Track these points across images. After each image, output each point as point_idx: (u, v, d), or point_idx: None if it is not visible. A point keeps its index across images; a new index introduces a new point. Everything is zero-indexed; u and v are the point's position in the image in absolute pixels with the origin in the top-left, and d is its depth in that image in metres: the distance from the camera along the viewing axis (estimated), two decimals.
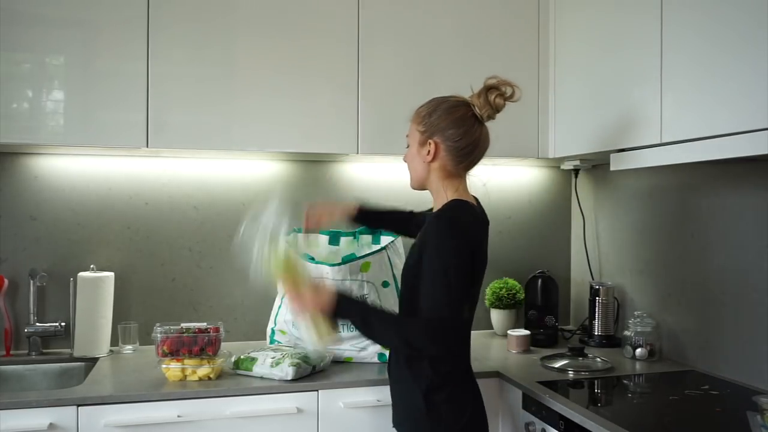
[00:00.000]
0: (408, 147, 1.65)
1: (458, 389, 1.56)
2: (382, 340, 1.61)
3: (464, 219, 1.52)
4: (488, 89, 1.55)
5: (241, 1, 2.05)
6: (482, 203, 1.68)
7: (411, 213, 1.93)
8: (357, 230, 2.17)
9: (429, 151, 1.56)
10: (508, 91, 1.56)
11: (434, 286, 1.44)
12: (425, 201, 1.73)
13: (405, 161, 1.67)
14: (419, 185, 1.65)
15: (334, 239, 2.17)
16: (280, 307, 2.18)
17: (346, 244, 2.17)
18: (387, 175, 2.48)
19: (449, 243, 1.46)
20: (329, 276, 2.00)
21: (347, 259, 2.03)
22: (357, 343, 2.02)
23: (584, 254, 2.60)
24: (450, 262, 1.44)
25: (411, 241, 1.67)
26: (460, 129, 1.54)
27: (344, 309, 1.47)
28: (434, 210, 1.62)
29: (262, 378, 1.86)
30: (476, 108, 1.56)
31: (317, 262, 2.04)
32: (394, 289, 2.06)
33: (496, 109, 1.56)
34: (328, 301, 1.45)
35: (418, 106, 1.63)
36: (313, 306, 1.45)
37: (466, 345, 1.61)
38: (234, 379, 1.86)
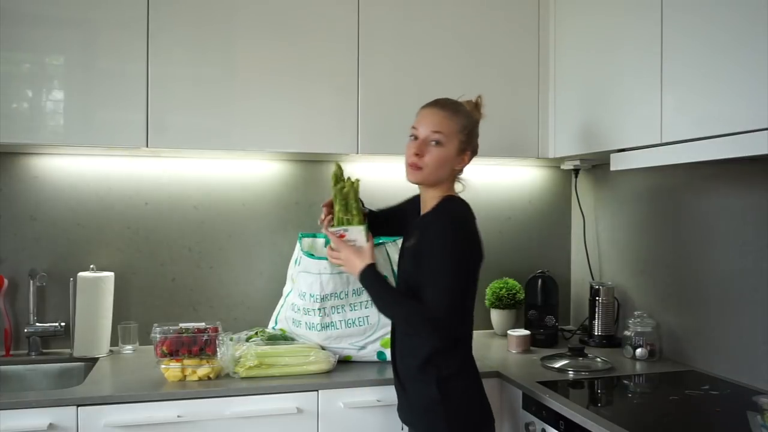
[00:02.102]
0: (436, 144, 1.61)
1: (468, 379, 1.64)
2: (388, 311, 1.66)
3: (464, 215, 1.62)
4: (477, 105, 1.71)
5: (241, 1, 2.05)
6: (481, 202, 1.73)
7: (401, 209, 1.90)
8: None
9: (463, 160, 1.67)
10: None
11: (436, 285, 1.54)
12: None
13: (429, 158, 1.61)
14: (434, 184, 1.66)
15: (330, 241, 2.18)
16: (282, 306, 2.19)
17: None
18: (387, 175, 2.47)
19: (451, 244, 1.55)
20: (327, 270, 2.00)
21: None
22: (356, 341, 2.02)
23: (584, 254, 2.60)
24: (451, 261, 1.54)
25: None
26: (478, 141, 1.70)
27: (368, 278, 1.62)
28: (428, 203, 1.68)
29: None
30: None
31: (316, 257, 2.04)
32: (393, 283, 2.06)
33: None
34: (360, 267, 1.63)
35: (456, 111, 1.65)
36: (348, 264, 1.66)
37: (470, 336, 1.68)
38: (234, 379, 1.86)
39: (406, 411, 1.71)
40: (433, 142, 1.62)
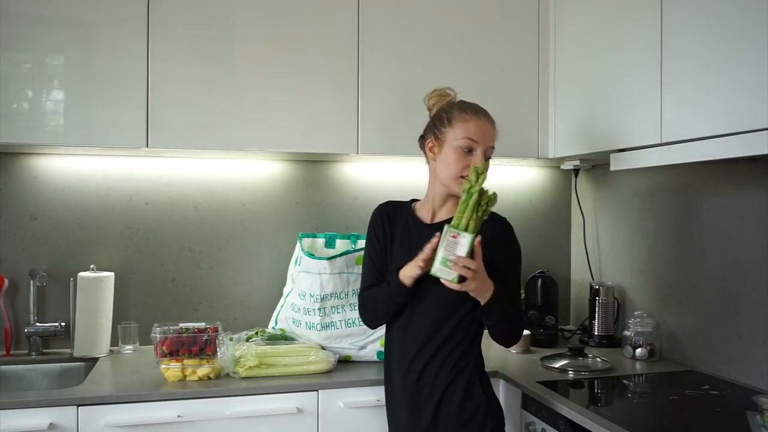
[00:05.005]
0: (488, 158, 1.61)
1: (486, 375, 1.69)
2: (513, 332, 1.65)
3: None
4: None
5: (241, 0, 2.05)
6: None
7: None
8: (353, 234, 2.19)
9: None
10: None
11: (515, 290, 1.65)
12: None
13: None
14: None
15: (330, 242, 2.18)
16: (282, 305, 2.19)
17: (341, 246, 2.18)
18: (387, 175, 2.47)
19: (520, 250, 1.67)
20: (326, 270, 2.01)
21: (344, 253, 2.05)
22: (356, 341, 2.02)
23: (584, 254, 2.60)
24: (520, 266, 1.68)
25: None
26: None
27: (499, 302, 1.51)
28: (448, 208, 1.67)
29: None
30: None
31: (317, 257, 2.05)
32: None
33: None
34: (492, 289, 1.48)
35: (491, 119, 1.63)
36: (481, 283, 1.45)
37: None
38: (234, 379, 1.86)
39: (441, 427, 1.58)
40: (487, 157, 1.60)
